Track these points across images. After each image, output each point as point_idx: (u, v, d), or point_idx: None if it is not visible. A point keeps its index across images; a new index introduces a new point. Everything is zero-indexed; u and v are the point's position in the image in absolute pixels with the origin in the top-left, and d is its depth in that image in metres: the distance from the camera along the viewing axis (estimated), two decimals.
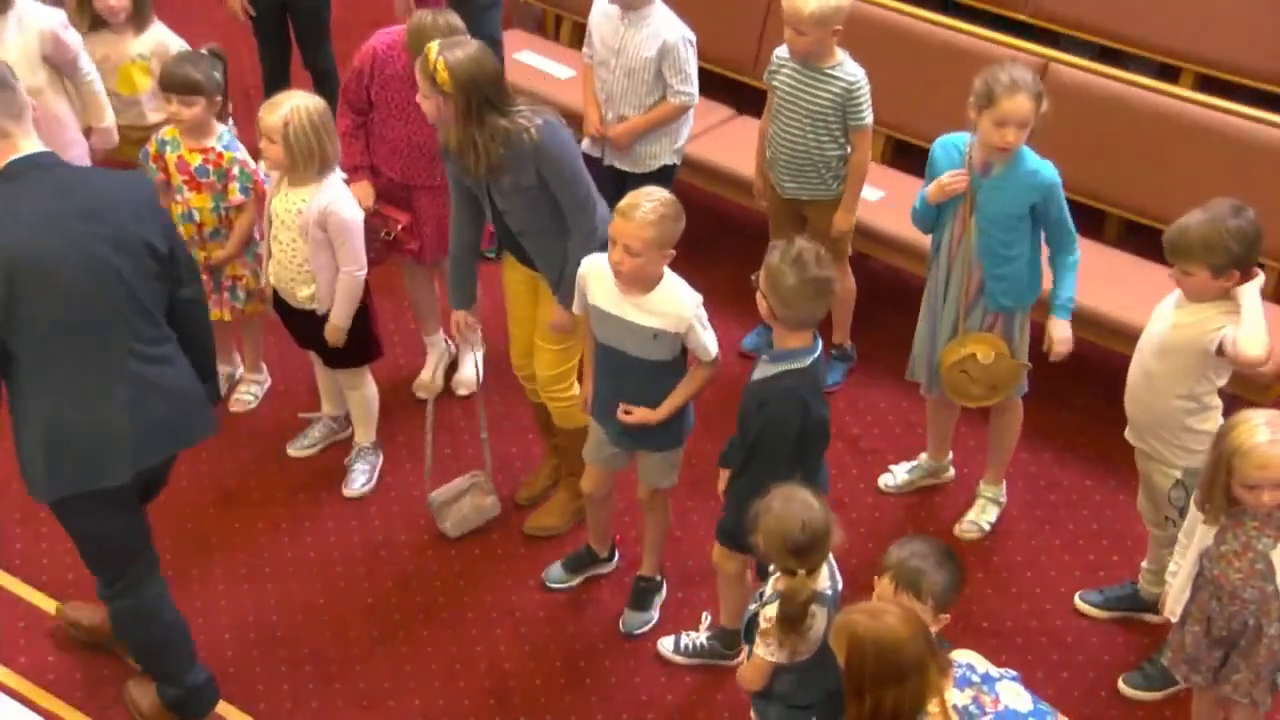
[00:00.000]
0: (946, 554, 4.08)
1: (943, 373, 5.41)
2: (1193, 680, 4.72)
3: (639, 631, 5.50)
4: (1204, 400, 4.91)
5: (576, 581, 5.65)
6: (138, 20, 6.31)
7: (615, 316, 4.91)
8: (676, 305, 4.84)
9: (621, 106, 6.12)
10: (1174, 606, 4.64)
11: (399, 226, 5.94)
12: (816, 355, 4.63)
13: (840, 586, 4.42)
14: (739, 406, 4.73)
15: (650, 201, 4.73)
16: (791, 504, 4.22)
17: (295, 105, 5.39)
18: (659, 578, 5.56)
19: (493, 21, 6.90)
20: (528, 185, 5.07)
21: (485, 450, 5.84)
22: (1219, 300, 4.78)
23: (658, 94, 6.08)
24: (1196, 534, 4.51)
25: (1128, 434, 5.18)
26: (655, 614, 5.53)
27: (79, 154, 6.04)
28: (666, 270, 4.86)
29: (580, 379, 5.42)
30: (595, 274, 4.94)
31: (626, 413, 5.02)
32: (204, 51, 5.97)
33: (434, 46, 5.01)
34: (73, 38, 5.95)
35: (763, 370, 4.65)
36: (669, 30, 5.99)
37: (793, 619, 4.24)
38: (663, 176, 6.16)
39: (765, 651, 4.33)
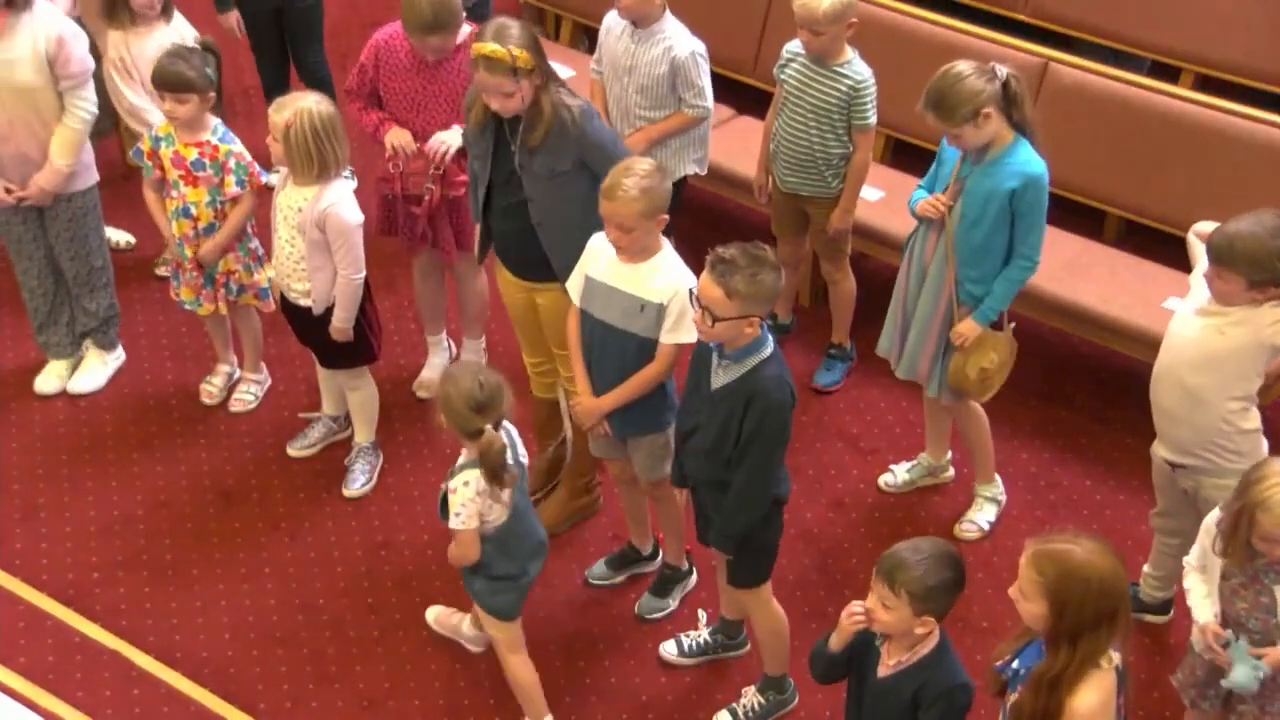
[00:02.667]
0: (948, 559, 4.01)
1: (969, 386, 5.39)
2: (1200, 706, 4.65)
3: (651, 617, 5.51)
4: (1252, 397, 4.86)
5: (619, 579, 5.65)
6: (166, 12, 6.32)
7: (610, 287, 4.93)
8: (668, 274, 4.87)
9: (637, 121, 6.10)
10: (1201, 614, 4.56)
11: (447, 155, 5.74)
12: (769, 335, 4.63)
13: (526, 461, 4.82)
14: (708, 417, 4.67)
15: (629, 177, 4.77)
16: (459, 373, 4.64)
17: (301, 109, 5.39)
18: (685, 566, 5.57)
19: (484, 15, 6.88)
20: (562, 170, 5.10)
21: (569, 448, 5.81)
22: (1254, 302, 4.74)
23: (671, 106, 6.07)
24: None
25: (1165, 455, 5.02)
26: (673, 603, 5.54)
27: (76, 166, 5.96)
28: (666, 244, 4.91)
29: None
30: (598, 248, 4.99)
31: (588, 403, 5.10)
32: (195, 45, 5.96)
33: (494, 48, 4.92)
34: (79, 55, 5.81)
35: (731, 373, 4.61)
36: (680, 46, 5.95)
37: (496, 471, 4.59)
38: (679, 187, 6.16)
39: (459, 522, 4.65)
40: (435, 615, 5.49)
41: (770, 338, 4.61)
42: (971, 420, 5.67)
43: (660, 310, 4.87)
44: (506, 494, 4.70)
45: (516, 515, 4.77)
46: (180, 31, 6.31)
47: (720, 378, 4.63)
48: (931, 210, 5.29)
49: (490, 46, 4.94)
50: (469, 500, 4.63)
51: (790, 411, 4.61)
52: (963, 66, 5.07)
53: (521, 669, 5.02)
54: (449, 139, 5.71)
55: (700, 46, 6.02)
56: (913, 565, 3.97)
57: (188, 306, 6.13)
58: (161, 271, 6.89)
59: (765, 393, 4.56)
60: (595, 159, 5.08)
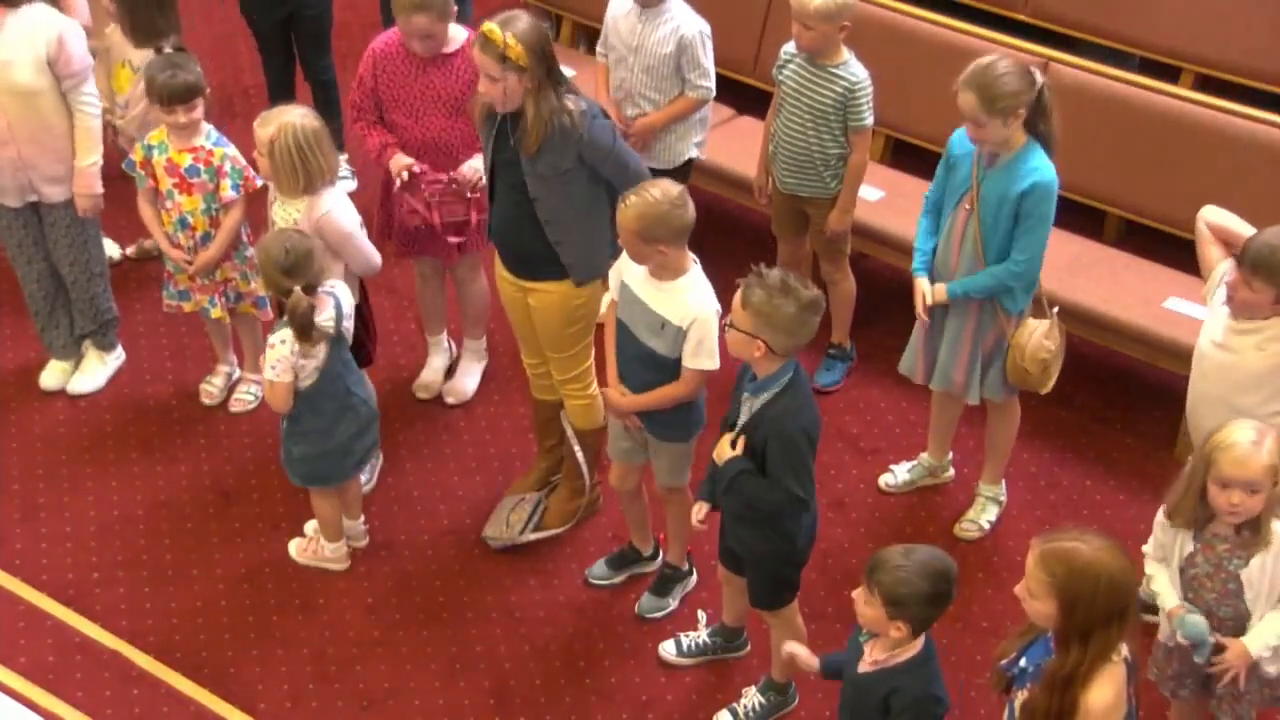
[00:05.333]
0: (933, 572, 3.99)
1: (1033, 380, 5.37)
2: (1180, 695, 4.66)
3: (651, 616, 5.51)
4: None
5: (619, 579, 5.65)
6: (135, 33, 6.21)
7: (637, 298, 4.94)
8: (691, 298, 4.85)
9: (641, 103, 6.14)
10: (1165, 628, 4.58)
11: (480, 182, 5.73)
12: (796, 364, 4.60)
13: (350, 327, 5.25)
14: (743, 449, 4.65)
15: (638, 194, 4.77)
16: (270, 241, 5.15)
17: (284, 123, 5.36)
18: (685, 567, 5.58)
19: (465, 14, 6.88)
20: (565, 169, 5.09)
21: (580, 459, 5.75)
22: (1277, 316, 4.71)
23: (676, 89, 6.11)
24: (1178, 544, 4.45)
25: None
26: (673, 603, 5.55)
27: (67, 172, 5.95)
28: (695, 268, 4.89)
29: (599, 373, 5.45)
30: None
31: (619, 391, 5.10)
32: (169, 49, 5.94)
33: (493, 28, 4.95)
34: (80, 53, 5.80)
35: (750, 405, 4.60)
36: (687, 25, 6.01)
37: (303, 327, 5.10)
38: (684, 172, 6.20)
39: (274, 375, 5.17)
40: (297, 546, 5.74)
41: (791, 371, 4.56)
42: (1008, 419, 5.67)
43: (679, 333, 4.86)
44: (320, 354, 5.20)
45: (327, 377, 5.26)
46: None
47: (744, 412, 4.63)
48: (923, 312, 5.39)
49: (490, 25, 4.97)
50: (283, 356, 5.16)
51: (803, 440, 4.54)
52: (1008, 63, 5.08)
53: (323, 505, 5.58)
54: (479, 165, 5.68)
55: (706, 27, 6.07)
56: (892, 569, 3.99)
57: (187, 310, 6.11)
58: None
59: (774, 423, 4.52)
60: (593, 156, 5.09)
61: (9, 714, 4.85)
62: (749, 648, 5.39)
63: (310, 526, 5.75)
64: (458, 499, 5.98)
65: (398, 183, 5.74)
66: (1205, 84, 7.14)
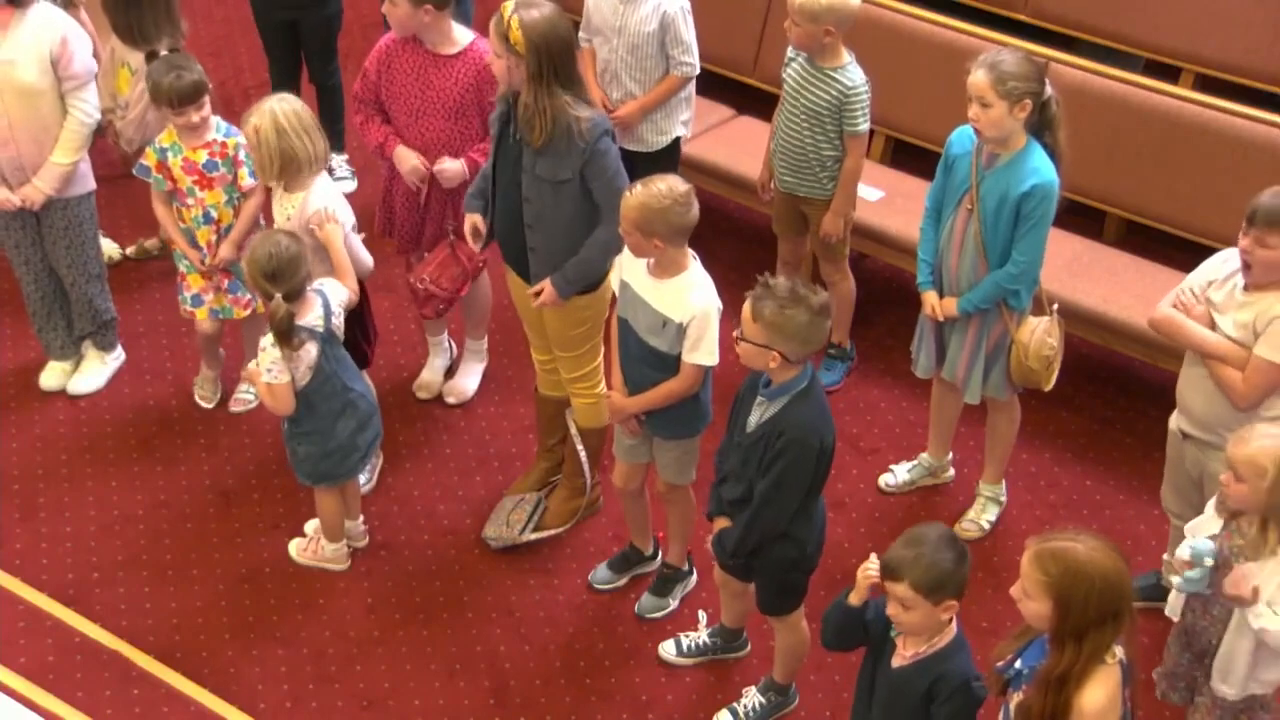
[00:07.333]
0: (941, 540, 4.00)
1: (1036, 377, 5.40)
2: (1170, 698, 4.68)
3: (651, 616, 5.52)
4: None
5: (623, 581, 5.65)
6: (119, 35, 6.21)
7: (638, 296, 4.94)
8: (691, 294, 4.85)
9: (627, 83, 6.14)
10: (1174, 604, 4.62)
11: (484, 264, 5.85)
12: (812, 372, 4.60)
13: (339, 326, 5.24)
14: (740, 464, 4.66)
15: (645, 184, 4.76)
16: (261, 241, 5.13)
17: (264, 110, 5.37)
18: (685, 567, 5.58)
19: (465, 13, 6.88)
20: (564, 178, 5.08)
21: (581, 456, 5.74)
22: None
23: (662, 68, 6.11)
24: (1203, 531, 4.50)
25: (1183, 426, 5.05)
26: (673, 603, 5.55)
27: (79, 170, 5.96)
28: (694, 264, 4.89)
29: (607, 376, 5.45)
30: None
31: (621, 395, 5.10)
32: (164, 51, 5.94)
33: (508, 6, 4.98)
34: (82, 56, 5.78)
35: (765, 410, 4.60)
36: (668, 2, 6.02)
37: (283, 333, 5.08)
38: (671, 152, 6.19)
39: (271, 377, 5.16)
40: (297, 546, 5.74)
41: (808, 377, 4.55)
42: (1009, 419, 5.68)
43: (680, 329, 4.86)
44: (312, 352, 5.18)
45: (322, 375, 5.23)
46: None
47: (756, 414, 4.62)
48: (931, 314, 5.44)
49: (507, 5, 4.98)
50: (276, 359, 5.15)
51: (813, 455, 4.54)
52: (1023, 54, 5.15)
53: (327, 504, 5.57)
54: (460, 167, 5.70)
55: (686, 2, 6.07)
56: (914, 560, 3.97)
57: (220, 316, 6.08)
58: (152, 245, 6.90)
59: (787, 433, 4.52)
60: (592, 172, 5.06)
61: (9, 714, 4.86)
62: (749, 648, 5.39)
63: (310, 526, 5.75)
64: (458, 499, 5.98)
65: (417, 188, 5.74)
66: (1205, 84, 7.15)
